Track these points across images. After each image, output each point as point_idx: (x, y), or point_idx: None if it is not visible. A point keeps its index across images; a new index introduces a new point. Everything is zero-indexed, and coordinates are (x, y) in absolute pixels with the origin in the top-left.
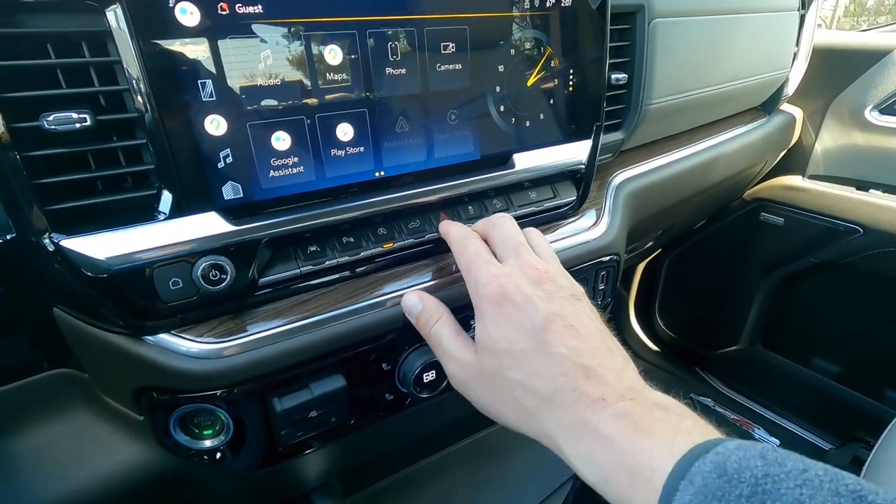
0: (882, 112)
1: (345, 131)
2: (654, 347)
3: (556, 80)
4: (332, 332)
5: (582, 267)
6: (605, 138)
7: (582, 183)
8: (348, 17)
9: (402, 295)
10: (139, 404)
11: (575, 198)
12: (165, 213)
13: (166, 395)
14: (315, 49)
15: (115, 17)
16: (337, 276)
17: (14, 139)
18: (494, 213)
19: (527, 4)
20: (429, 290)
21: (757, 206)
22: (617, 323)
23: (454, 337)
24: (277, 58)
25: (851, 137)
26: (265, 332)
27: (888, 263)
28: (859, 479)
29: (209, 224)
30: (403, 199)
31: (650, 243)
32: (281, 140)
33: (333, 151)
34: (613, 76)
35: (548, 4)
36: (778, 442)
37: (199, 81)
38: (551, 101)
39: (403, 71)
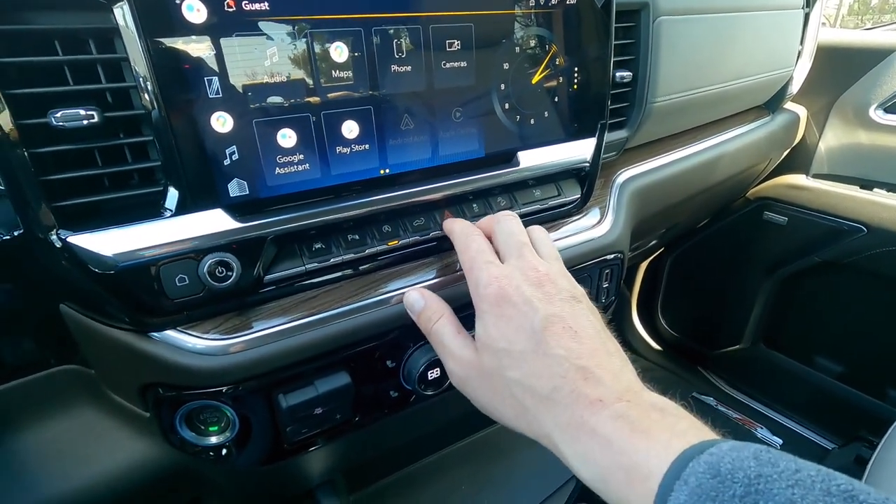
0: (886, 111)
1: (350, 129)
2: (657, 346)
3: (560, 78)
4: (336, 330)
5: (586, 265)
6: (609, 136)
7: (586, 181)
8: (354, 14)
9: (405, 292)
10: (145, 401)
11: (579, 196)
12: (172, 210)
13: (172, 391)
14: (321, 46)
15: (122, 14)
16: (342, 273)
17: (22, 136)
18: (499, 210)
19: (532, 2)
20: (432, 288)
21: (760, 205)
22: (619, 321)
23: (455, 335)
24: (283, 55)
25: (855, 136)
26: (270, 329)
27: (892, 263)
28: (851, 479)
29: (215, 221)
30: (408, 197)
31: (653, 242)
32: (287, 137)
33: (339, 149)
34: (618, 74)
35: (553, 2)
36: (781, 441)
37: (205, 78)
38: (556, 99)
39: (409, 68)
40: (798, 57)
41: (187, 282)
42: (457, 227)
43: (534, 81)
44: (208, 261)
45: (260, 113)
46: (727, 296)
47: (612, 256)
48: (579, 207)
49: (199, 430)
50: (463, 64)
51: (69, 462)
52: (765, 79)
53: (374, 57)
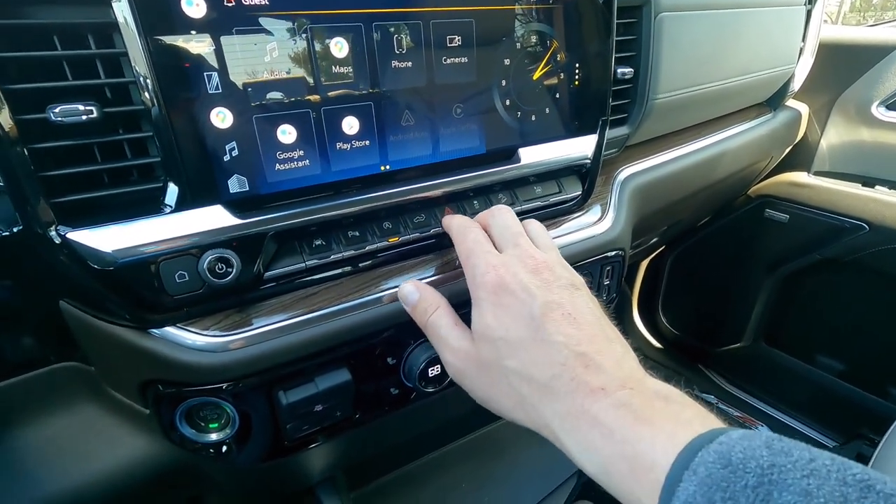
0: (889, 108)
1: (350, 125)
2: (658, 344)
3: (561, 75)
4: (337, 326)
5: (587, 262)
6: (610, 133)
7: (587, 178)
8: (354, 9)
9: (399, 285)
10: (145, 397)
11: (580, 193)
12: (171, 206)
13: (172, 388)
14: (321, 42)
15: (121, 9)
16: (342, 270)
17: (21, 131)
18: None
19: None
20: (432, 284)
21: (762, 203)
22: (620, 319)
23: (451, 326)
24: (283, 50)
25: (857, 133)
26: (271, 326)
27: (894, 260)
28: (866, 468)
29: (215, 217)
30: (409, 193)
31: (654, 239)
32: (287, 133)
33: (339, 145)
34: (619, 70)
35: None
36: None
37: (205, 74)
38: (557, 96)
39: (409, 64)
40: (800, 54)
41: (187, 278)
42: (455, 222)
43: (535, 78)
44: (208, 257)
45: (260, 109)
46: (728, 293)
47: (613, 253)
48: (580, 204)
49: (199, 426)
50: (464, 60)
51: (70, 459)
52: (766, 76)
53: (374, 53)
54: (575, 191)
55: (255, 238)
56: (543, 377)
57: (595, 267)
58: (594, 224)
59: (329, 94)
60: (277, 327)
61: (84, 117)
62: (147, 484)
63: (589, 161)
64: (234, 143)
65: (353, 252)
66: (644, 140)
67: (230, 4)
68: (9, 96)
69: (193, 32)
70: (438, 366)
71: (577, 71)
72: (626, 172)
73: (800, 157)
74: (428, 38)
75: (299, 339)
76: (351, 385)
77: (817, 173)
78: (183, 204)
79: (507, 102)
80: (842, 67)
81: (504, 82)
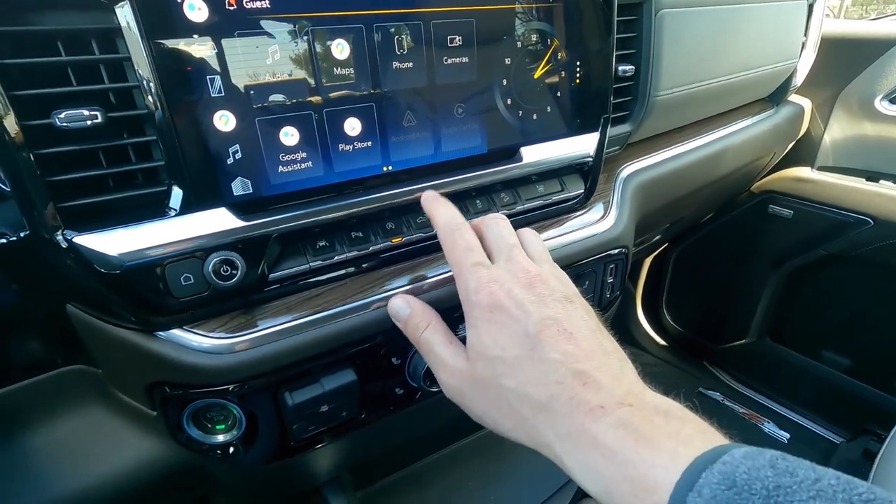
0: (892, 101)
1: (352, 126)
2: (662, 342)
3: (562, 73)
4: (341, 327)
5: (590, 260)
6: (612, 131)
7: (589, 176)
8: (355, 11)
9: (406, 290)
10: (152, 399)
11: (583, 191)
12: (176, 210)
13: (179, 390)
14: (322, 44)
15: (124, 14)
16: (346, 270)
17: (26, 137)
18: (502, 206)
19: None
20: (434, 286)
21: (765, 199)
22: (624, 317)
23: (445, 344)
24: (285, 53)
25: (861, 128)
26: (276, 328)
27: None
28: (872, 486)
29: (219, 220)
30: (411, 194)
31: (657, 237)
32: (289, 135)
33: (341, 146)
34: (620, 68)
35: None
36: (788, 436)
37: (207, 77)
38: (558, 94)
39: (410, 65)
40: (802, 48)
41: (192, 281)
42: (440, 218)
43: (536, 76)
44: (213, 260)
45: (262, 111)
46: (732, 290)
47: (616, 251)
48: (583, 202)
49: (205, 428)
50: (464, 59)
51: (78, 461)
52: (768, 71)
53: (375, 54)
54: (577, 189)
55: (260, 240)
56: (542, 397)
57: (598, 265)
58: (597, 222)
59: (331, 95)
60: (282, 329)
61: (89, 122)
62: (154, 485)
63: (591, 159)
64: (237, 146)
65: (356, 253)
66: (646, 137)
67: (232, 8)
68: (14, 102)
69: (196, 36)
70: None
71: (578, 69)
72: (628, 170)
73: (803, 152)
74: (429, 39)
75: (304, 340)
76: (356, 385)
77: (821, 168)
78: (187, 207)
79: (509, 101)
80: (844, 62)
81: (505, 81)
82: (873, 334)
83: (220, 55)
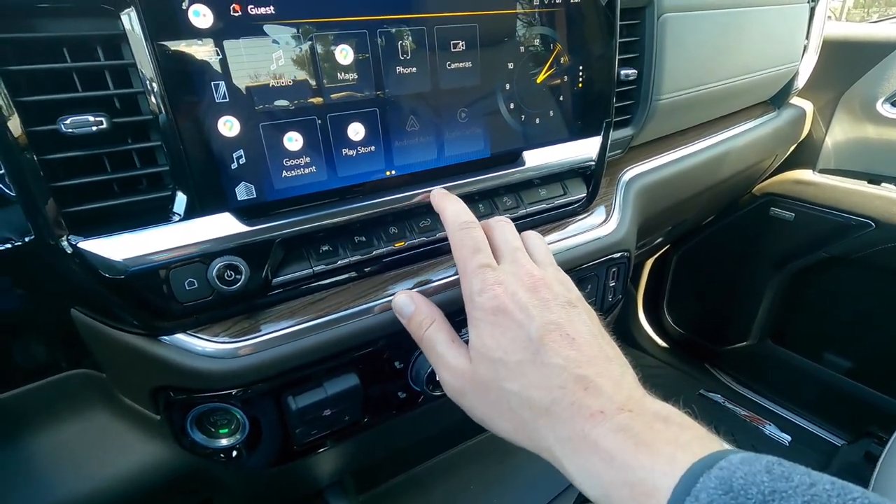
0: (894, 105)
1: (356, 131)
2: (663, 344)
3: (565, 77)
4: (345, 332)
5: (593, 264)
6: (614, 134)
7: (592, 179)
8: (359, 16)
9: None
10: (156, 404)
11: (585, 194)
12: (180, 215)
13: (183, 394)
14: (326, 49)
15: (129, 21)
16: (349, 275)
17: (32, 142)
18: (505, 210)
19: (536, 1)
20: (437, 289)
21: (767, 201)
22: (625, 320)
23: (449, 343)
24: (289, 58)
25: (863, 130)
26: (279, 332)
27: None
28: (867, 492)
29: (223, 225)
30: (414, 198)
31: (659, 239)
32: (293, 140)
33: (345, 151)
34: (623, 72)
35: (557, 1)
36: (789, 438)
37: (212, 83)
38: (561, 98)
39: (414, 70)
40: (804, 51)
41: (196, 286)
42: (448, 213)
43: (538, 81)
44: (217, 264)
45: (266, 116)
46: (734, 292)
47: (618, 255)
48: (585, 206)
49: (209, 432)
50: (468, 64)
51: (83, 464)
52: (770, 74)
53: (378, 59)
54: (580, 193)
55: (263, 245)
56: (543, 401)
57: (601, 269)
58: (599, 226)
59: (334, 100)
60: (286, 333)
61: (94, 128)
62: (158, 489)
63: (593, 163)
64: (241, 151)
65: (359, 257)
66: (648, 141)
67: (236, 14)
68: (20, 108)
69: (200, 42)
70: None
71: (580, 73)
72: (630, 173)
73: (805, 154)
74: (432, 44)
75: (307, 344)
76: (359, 389)
77: (822, 171)
78: (192, 212)
79: (512, 106)
80: (846, 64)
81: (508, 86)
82: (875, 337)
83: (225, 61)
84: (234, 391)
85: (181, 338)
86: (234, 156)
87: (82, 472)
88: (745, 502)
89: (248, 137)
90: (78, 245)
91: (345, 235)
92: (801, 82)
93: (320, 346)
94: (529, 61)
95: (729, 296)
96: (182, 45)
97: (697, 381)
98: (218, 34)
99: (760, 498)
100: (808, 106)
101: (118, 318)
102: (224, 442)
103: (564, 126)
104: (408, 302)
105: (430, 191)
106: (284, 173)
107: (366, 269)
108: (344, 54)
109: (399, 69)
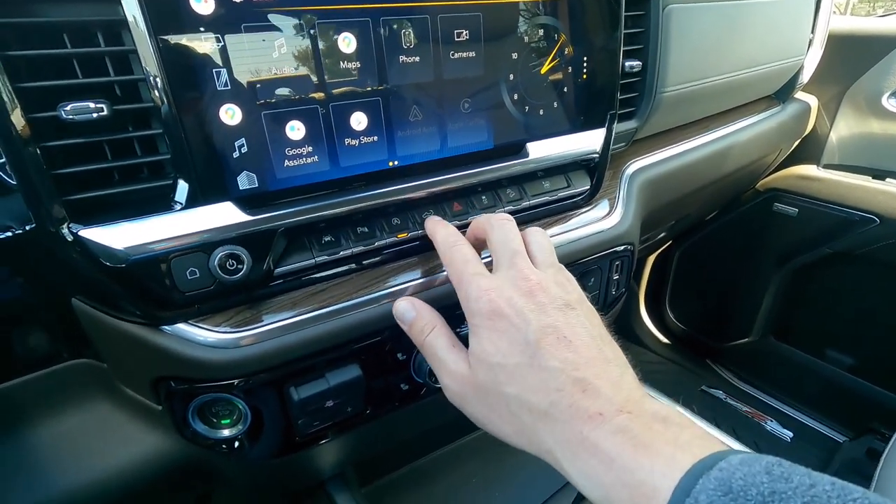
0: None
1: (359, 120)
2: (665, 340)
3: (569, 68)
4: (347, 322)
5: (596, 257)
6: (618, 127)
7: (595, 172)
8: (361, 4)
9: (413, 285)
10: (158, 394)
11: (588, 187)
12: (182, 203)
13: (184, 384)
14: (328, 37)
15: (130, 7)
16: (351, 266)
17: (32, 129)
18: (508, 202)
19: None
20: (438, 285)
21: (770, 196)
22: (627, 315)
23: (449, 348)
24: (291, 46)
25: (867, 126)
26: (281, 322)
27: None
28: (867, 492)
29: (225, 214)
30: (417, 189)
31: (662, 234)
32: (295, 129)
33: (347, 141)
34: (627, 64)
35: None
36: (791, 434)
37: (213, 71)
38: (565, 90)
39: (417, 59)
40: (809, 45)
41: (198, 275)
42: (439, 236)
43: (542, 72)
44: (219, 254)
45: (268, 105)
46: (736, 288)
47: (622, 248)
48: (589, 199)
49: (211, 423)
50: (471, 54)
51: (83, 455)
52: (775, 68)
53: (382, 48)
54: (583, 185)
55: (265, 234)
56: (542, 404)
57: (604, 262)
58: (603, 219)
59: (337, 89)
60: (288, 323)
61: (95, 115)
62: (160, 479)
63: (597, 155)
64: (243, 140)
65: (361, 248)
66: (652, 134)
67: (238, 1)
68: (20, 94)
69: (202, 29)
70: None
71: (584, 65)
72: (634, 166)
73: (809, 149)
74: (436, 33)
75: (309, 335)
76: (361, 381)
77: (827, 166)
78: (193, 201)
79: (515, 97)
80: (851, 59)
81: (512, 76)
82: (878, 333)
83: (226, 49)
84: (236, 381)
85: (183, 327)
86: (236, 144)
87: (83, 462)
88: (745, 503)
89: (250, 126)
90: (79, 233)
91: (347, 226)
92: (806, 77)
93: (322, 336)
94: (533, 52)
95: (731, 292)
96: (183, 32)
97: (699, 377)
98: (219, 21)
99: (760, 499)
100: (812, 101)
101: (119, 308)
102: (226, 433)
103: (568, 118)
104: (409, 308)
105: (430, 182)
106: (287, 163)
107: (368, 260)
108: (347, 43)
109: (402, 58)
